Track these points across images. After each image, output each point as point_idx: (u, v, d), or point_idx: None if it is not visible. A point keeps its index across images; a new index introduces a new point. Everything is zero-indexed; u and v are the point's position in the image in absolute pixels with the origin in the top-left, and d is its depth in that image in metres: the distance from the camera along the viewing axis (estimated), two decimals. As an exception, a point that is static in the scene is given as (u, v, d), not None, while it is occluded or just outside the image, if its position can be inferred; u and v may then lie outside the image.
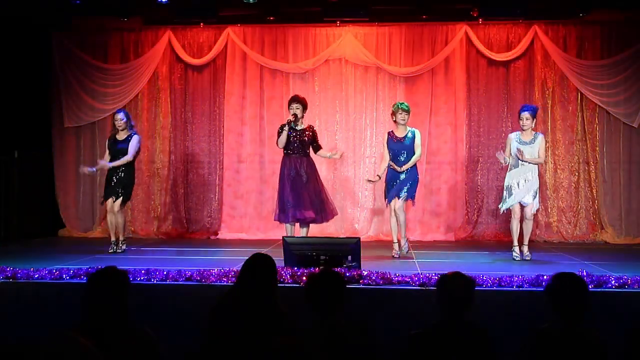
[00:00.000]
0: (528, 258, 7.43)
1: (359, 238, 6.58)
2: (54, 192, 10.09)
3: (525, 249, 7.51)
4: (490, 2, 9.07)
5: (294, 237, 7.24)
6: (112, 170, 7.91)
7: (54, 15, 9.65)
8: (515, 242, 7.55)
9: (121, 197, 7.87)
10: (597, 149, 9.52)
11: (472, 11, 9.26)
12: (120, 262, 6.73)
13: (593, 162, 9.53)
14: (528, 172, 7.39)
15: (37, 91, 9.93)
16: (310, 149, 7.76)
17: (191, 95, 10.09)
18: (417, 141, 7.66)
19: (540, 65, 9.59)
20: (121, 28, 9.98)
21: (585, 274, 5.71)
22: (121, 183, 7.88)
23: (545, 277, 5.67)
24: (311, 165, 7.74)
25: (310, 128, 7.81)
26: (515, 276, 5.66)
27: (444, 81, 9.78)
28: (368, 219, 9.80)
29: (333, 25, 9.77)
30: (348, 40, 9.74)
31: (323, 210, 7.71)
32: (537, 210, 7.96)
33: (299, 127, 7.67)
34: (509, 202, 7.45)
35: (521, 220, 7.48)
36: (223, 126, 10.02)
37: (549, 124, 9.56)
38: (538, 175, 7.52)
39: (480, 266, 6.90)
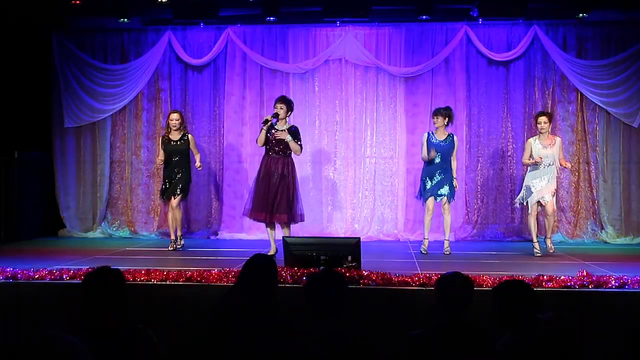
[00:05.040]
0: (552, 251, 7.86)
1: (359, 238, 6.58)
2: (54, 192, 10.08)
3: (549, 242, 7.96)
4: (490, 2, 9.06)
5: (294, 237, 7.22)
6: (170, 171, 8.24)
7: (54, 15, 9.65)
8: (535, 239, 7.90)
9: (180, 195, 8.21)
10: (597, 149, 9.52)
11: (472, 11, 9.26)
12: (120, 262, 6.74)
13: (593, 162, 9.53)
14: (547, 174, 7.85)
15: (37, 91, 9.93)
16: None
17: (191, 96, 10.08)
18: (456, 148, 8.07)
19: (540, 65, 9.59)
20: (121, 28, 9.98)
21: (585, 274, 5.72)
22: (180, 182, 8.22)
23: (545, 277, 5.68)
24: (288, 165, 7.66)
25: (291, 128, 7.75)
26: (515, 276, 5.66)
27: (444, 81, 9.77)
28: (368, 219, 9.80)
29: (333, 25, 9.77)
30: (348, 40, 9.73)
31: (286, 213, 7.56)
32: (554, 208, 8.24)
33: (279, 127, 7.64)
34: (527, 200, 7.94)
35: (541, 215, 8.05)
36: (223, 126, 10.02)
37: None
38: (556, 177, 8.06)
39: (480, 266, 6.90)
